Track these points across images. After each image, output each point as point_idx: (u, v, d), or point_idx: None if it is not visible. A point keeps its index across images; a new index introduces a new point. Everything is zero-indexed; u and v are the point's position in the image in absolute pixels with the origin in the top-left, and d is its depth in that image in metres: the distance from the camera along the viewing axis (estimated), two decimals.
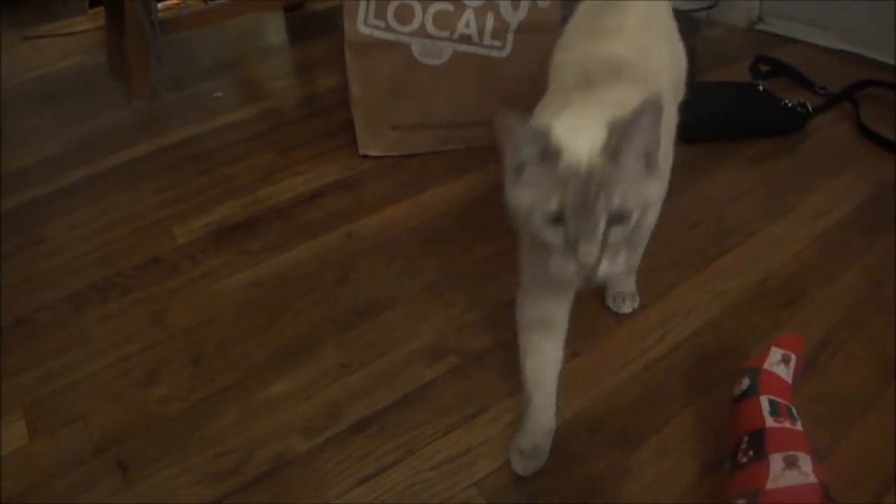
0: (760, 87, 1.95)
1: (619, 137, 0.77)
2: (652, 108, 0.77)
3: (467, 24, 1.81)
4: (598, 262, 0.79)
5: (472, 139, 1.92)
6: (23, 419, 1.32)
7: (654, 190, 0.88)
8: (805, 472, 0.93)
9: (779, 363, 1.10)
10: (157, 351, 1.41)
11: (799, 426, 1.01)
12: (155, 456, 1.20)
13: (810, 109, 1.91)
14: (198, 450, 1.20)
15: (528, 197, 0.82)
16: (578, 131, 0.82)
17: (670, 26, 1.27)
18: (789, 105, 1.90)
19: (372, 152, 1.95)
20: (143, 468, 1.19)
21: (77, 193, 1.96)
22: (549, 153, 0.79)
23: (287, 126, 2.23)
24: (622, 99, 0.87)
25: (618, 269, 0.82)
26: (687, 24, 1.52)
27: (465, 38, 1.83)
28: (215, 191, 1.86)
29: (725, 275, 1.45)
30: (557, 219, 0.79)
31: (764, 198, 1.66)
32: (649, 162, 0.82)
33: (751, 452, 0.98)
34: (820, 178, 1.70)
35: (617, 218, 0.78)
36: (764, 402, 1.03)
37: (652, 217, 1.12)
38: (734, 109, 1.91)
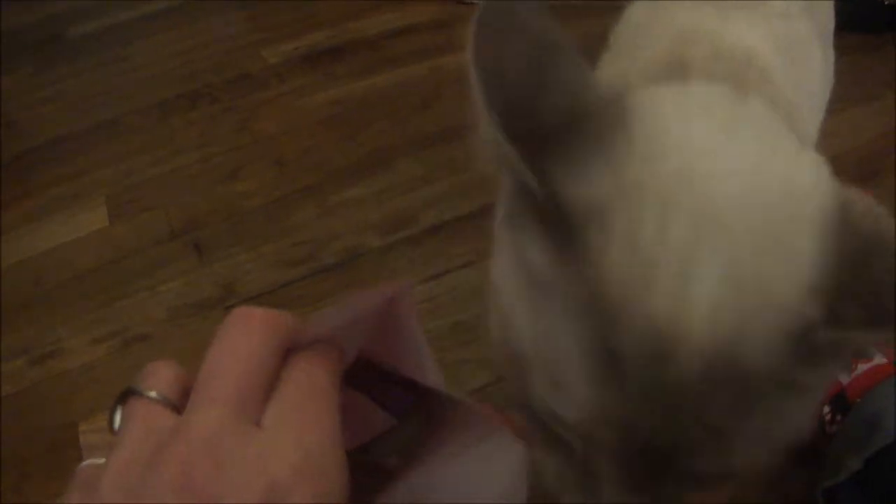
0: None
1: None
2: None
3: None
4: None
5: None
6: (105, 205, 1.36)
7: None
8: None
9: None
10: (241, 152, 1.42)
11: None
12: (231, 242, 1.23)
13: None
14: (273, 239, 1.22)
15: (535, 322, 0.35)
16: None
17: None
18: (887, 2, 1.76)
19: None
20: (219, 251, 1.21)
21: (162, 19, 1.96)
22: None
23: None
24: None
25: None
26: None
27: None
28: (305, 21, 1.82)
29: None
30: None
31: (848, 84, 1.55)
32: None
33: None
34: None
35: (701, 481, 0.34)
36: None
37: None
38: None
